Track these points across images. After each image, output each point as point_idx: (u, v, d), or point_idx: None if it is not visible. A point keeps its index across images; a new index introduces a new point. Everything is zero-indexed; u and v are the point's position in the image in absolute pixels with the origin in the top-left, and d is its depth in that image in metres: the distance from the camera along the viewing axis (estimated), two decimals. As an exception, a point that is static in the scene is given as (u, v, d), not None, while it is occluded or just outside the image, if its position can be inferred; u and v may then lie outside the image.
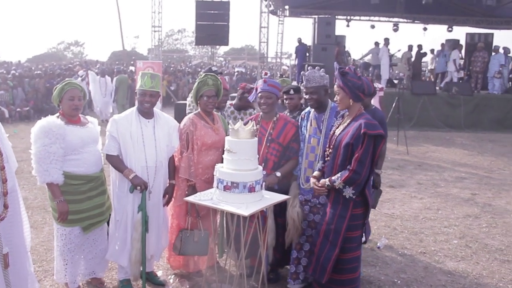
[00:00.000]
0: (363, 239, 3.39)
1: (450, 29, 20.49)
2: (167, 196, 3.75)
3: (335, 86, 3.26)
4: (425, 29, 21.29)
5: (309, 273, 3.58)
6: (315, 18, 15.05)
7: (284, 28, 21.16)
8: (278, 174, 3.67)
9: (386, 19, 20.83)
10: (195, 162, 3.74)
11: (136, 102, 3.68)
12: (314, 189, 3.35)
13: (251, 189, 3.23)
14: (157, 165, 3.62)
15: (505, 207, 6.42)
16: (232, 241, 3.46)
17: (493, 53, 15.03)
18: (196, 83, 3.86)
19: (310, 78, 3.63)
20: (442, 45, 16.35)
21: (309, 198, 3.64)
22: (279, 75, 18.50)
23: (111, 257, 3.69)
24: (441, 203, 6.54)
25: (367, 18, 21.06)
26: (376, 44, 16.08)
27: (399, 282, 4.11)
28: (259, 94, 3.83)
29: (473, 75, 15.21)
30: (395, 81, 15.01)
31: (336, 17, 17.36)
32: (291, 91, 4.05)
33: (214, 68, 5.47)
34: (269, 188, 3.58)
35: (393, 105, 11.15)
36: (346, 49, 17.00)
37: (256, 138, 3.42)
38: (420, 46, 16.43)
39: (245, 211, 3.07)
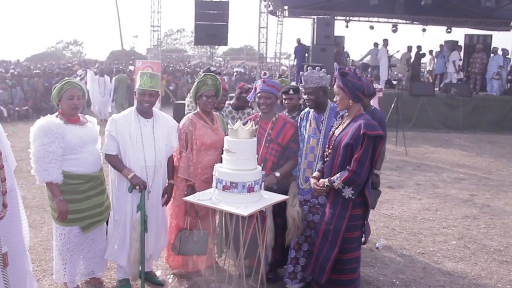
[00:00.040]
0: (363, 239, 3.39)
1: (449, 30, 20.53)
2: (166, 195, 3.75)
3: (334, 86, 3.26)
4: (424, 30, 21.33)
5: (307, 272, 3.59)
6: (314, 18, 15.08)
7: (283, 28, 21.18)
8: (277, 174, 3.67)
9: (385, 20, 20.86)
10: (194, 162, 3.74)
11: (135, 102, 3.68)
12: (314, 189, 3.35)
13: (250, 189, 3.23)
14: (156, 165, 3.61)
15: (503, 208, 6.43)
16: (231, 241, 3.45)
17: (491, 55, 15.08)
18: (195, 83, 3.85)
19: (308, 78, 3.64)
20: (441, 46, 16.39)
21: (308, 198, 3.65)
22: (278, 75, 18.50)
23: (110, 256, 3.69)
24: (440, 204, 6.55)
25: (366, 19, 21.09)
26: (375, 45, 16.10)
27: (397, 282, 4.11)
28: (258, 94, 3.83)
29: (472, 77, 15.24)
30: (394, 82, 15.05)
31: (335, 17, 17.43)
32: (290, 91, 4.06)
33: (213, 68, 5.47)
34: (268, 188, 3.58)
35: (392, 106, 11.17)
36: (345, 50, 17.01)
37: (255, 138, 3.42)
38: (419, 47, 16.47)
39: (244, 211, 3.07)
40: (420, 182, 7.76)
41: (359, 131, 3.06)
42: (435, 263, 4.53)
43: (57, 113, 3.43)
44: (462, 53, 16.01)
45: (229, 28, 15.84)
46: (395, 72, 20.64)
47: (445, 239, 5.17)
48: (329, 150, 3.29)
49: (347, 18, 20.70)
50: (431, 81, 16.69)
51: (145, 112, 3.62)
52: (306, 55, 15.90)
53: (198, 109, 3.88)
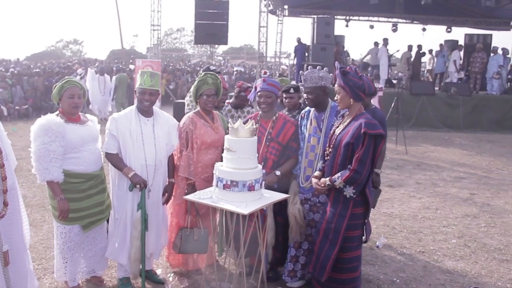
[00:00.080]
0: (364, 238, 3.39)
1: (449, 29, 20.53)
2: (166, 194, 3.75)
3: (335, 85, 3.26)
4: (424, 29, 21.34)
5: (307, 271, 3.60)
6: (314, 18, 15.09)
7: (283, 27, 21.18)
8: (278, 173, 3.67)
9: (385, 19, 20.84)
10: (194, 160, 3.74)
11: (135, 101, 3.68)
12: (315, 189, 3.36)
13: (251, 188, 3.23)
14: (156, 164, 3.62)
15: (503, 207, 6.43)
16: (231, 240, 3.46)
17: (491, 54, 15.08)
18: (195, 82, 3.86)
19: (307, 78, 3.64)
20: (441, 45, 16.39)
21: (309, 196, 3.65)
22: (278, 74, 18.51)
23: (111, 255, 3.69)
24: (440, 202, 6.55)
25: (366, 18, 21.07)
26: (376, 44, 16.10)
27: (398, 281, 4.11)
28: (259, 93, 3.83)
29: (472, 76, 15.24)
30: (394, 81, 15.05)
31: (335, 17, 17.43)
32: (291, 90, 4.06)
33: (212, 67, 5.48)
34: (269, 187, 3.58)
35: (392, 105, 11.17)
36: (345, 49, 17.02)
37: (256, 137, 3.42)
38: (419, 46, 16.47)
39: (245, 210, 3.07)
40: (420, 181, 7.76)
41: (360, 130, 3.06)
42: (435, 262, 4.54)
43: (57, 112, 3.43)
44: (462, 53, 16.01)
45: (229, 27, 15.83)
46: (395, 71, 20.63)
47: (445, 238, 5.17)
48: (330, 149, 3.29)
49: (347, 17, 20.69)
50: (430, 80, 16.68)
51: (146, 111, 3.62)
52: (306, 54, 15.91)
53: (199, 108, 3.88)
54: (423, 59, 17.39)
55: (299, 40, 16.39)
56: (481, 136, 12.77)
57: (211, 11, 15.61)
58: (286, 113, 4.10)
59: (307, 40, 16.12)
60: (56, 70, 17.66)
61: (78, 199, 3.41)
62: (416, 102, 13.68)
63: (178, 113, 6.54)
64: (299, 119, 3.86)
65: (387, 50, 15.59)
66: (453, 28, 20.40)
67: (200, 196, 3.38)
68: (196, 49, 49.39)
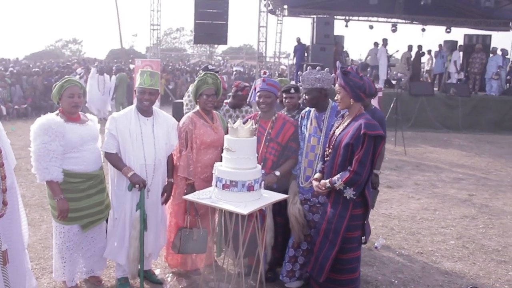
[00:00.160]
0: (363, 239, 3.40)
1: (448, 30, 20.53)
2: (165, 194, 3.75)
3: (336, 85, 3.26)
4: (423, 30, 21.34)
5: (306, 271, 3.60)
6: (313, 18, 15.08)
7: (282, 27, 21.15)
8: (277, 173, 3.67)
9: (385, 19, 20.85)
10: (194, 160, 3.74)
11: (135, 100, 3.68)
12: (316, 191, 3.36)
13: (250, 188, 3.24)
14: (155, 163, 3.61)
15: (502, 208, 6.44)
16: (230, 240, 3.46)
17: (491, 55, 15.10)
18: (195, 82, 3.86)
19: (304, 79, 3.65)
20: (440, 46, 16.40)
21: (308, 197, 3.65)
22: (277, 74, 18.50)
23: (109, 255, 3.69)
24: (439, 203, 6.56)
25: (366, 18, 21.07)
26: (375, 44, 16.10)
27: (396, 282, 4.12)
28: (258, 93, 3.83)
29: (471, 77, 15.25)
30: (393, 82, 15.06)
31: (335, 17, 17.41)
32: (292, 90, 4.07)
33: (210, 67, 5.48)
34: (268, 187, 3.58)
35: (391, 106, 11.18)
36: (344, 49, 17.02)
37: (255, 137, 3.42)
38: (420, 47, 16.49)
39: (244, 210, 3.08)
40: (419, 182, 7.77)
41: (360, 131, 3.06)
42: (433, 263, 4.54)
43: (57, 111, 3.43)
44: (461, 53, 16.03)
45: (229, 27, 15.79)
46: (394, 72, 20.64)
47: (443, 239, 5.18)
48: (330, 150, 3.29)
49: (347, 17, 20.68)
50: (429, 81, 16.70)
51: (145, 111, 3.62)
52: (306, 54, 15.90)
53: (198, 108, 3.89)
54: (422, 60, 17.42)
55: (298, 40, 16.39)
56: (480, 137, 12.78)
57: (211, 10, 15.58)
58: (285, 113, 4.10)
59: (306, 40, 16.12)
60: (56, 70, 17.64)
61: (78, 199, 3.40)
62: (415, 102, 13.69)
63: (177, 113, 6.53)
64: (300, 119, 3.86)
65: (387, 50, 15.60)
66: (452, 28, 20.40)
67: (199, 196, 3.38)
68: (195, 49, 49.35)
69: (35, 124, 3.28)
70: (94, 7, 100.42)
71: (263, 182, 3.44)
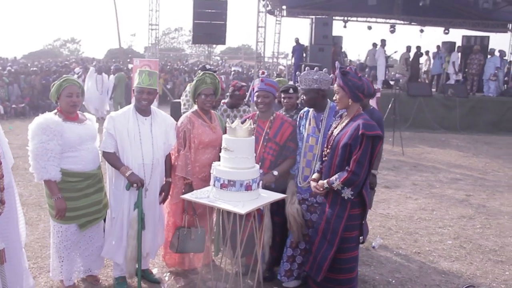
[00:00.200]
0: (361, 239, 3.40)
1: (446, 31, 20.58)
2: (163, 193, 3.75)
3: (335, 85, 3.27)
4: (421, 31, 21.38)
5: (304, 269, 3.60)
6: (312, 18, 15.08)
7: (281, 28, 21.22)
8: (275, 172, 3.68)
9: (383, 20, 20.89)
10: (192, 160, 3.74)
11: (133, 100, 3.67)
12: (314, 192, 3.37)
13: (248, 188, 3.24)
14: (153, 163, 3.61)
15: (499, 208, 6.46)
16: (228, 240, 3.46)
17: (488, 56, 15.13)
18: (194, 81, 3.86)
19: (302, 79, 3.66)
20: (438, 47, 16.44)
21: (306, 197, 3.66)
22: (275, 74, 18.50)
23: (107, 254, 3.69)
24: (436, 204, 6.57)
25: (364, 19, 21.11)
26: (374, 45, 16.13)
27: (393, 281, 4.13)
28: (256, 93, 3.84)
29: (469, 78, 15.30)
30: (391, 82, 15.09)
31: (333, 17, 17.41)
32: (290, 90, 4.08)
33: (208, 66, 5.49)
34: (266, 187, 3.59)
35: (389, 106, 11.19)
36: (342, 50, 17.03)
37: (254, 137, 3.42)
38: (418, 48, 16.52)
39: (242, 210, 3.08)
40: (417, 182, 7.78)
41: (358, 131, 3.06)
42: (430, 263, 4.55)
43: (55, 111, 3.42)
44: (459, 54, 16.07)
45: (227, 27, 15.81)
46: (393, 73, 20.67)
47: (441, 239, 5.19)
48: (328, 150, 3.30)
49: (345, 18, 20.71)
50: (427, 81, 16.73)
51: (143, 110, 3.62)
52: (304, 54, 15.91)
53: (196, 107, 3.89)
54: (420, 60, 17.45)
55: (297, 41, 16.40)
56: (478, 138, 12.81)
57: (210, 11, 15.58)
58: (284, 113, 4.11)
59: (305, 41, 16.13)
60: (54, 69, 17.63)
61: (75, 198, 3.40)
62: (413, 103, 13.71)
63: (175, 113, 6.53)
64: (298, 119, 3.87)
65: (385, 51, 15.63)
66: (450, 29, 20.46)
67: (197, 196, 3.38)
68: (194, 48, 49.33)
69: (33, 123, 3.28)
70: (93, 7, 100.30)
71: (261, 182, 3.45)
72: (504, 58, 15.63)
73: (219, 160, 3.43)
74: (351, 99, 3.18)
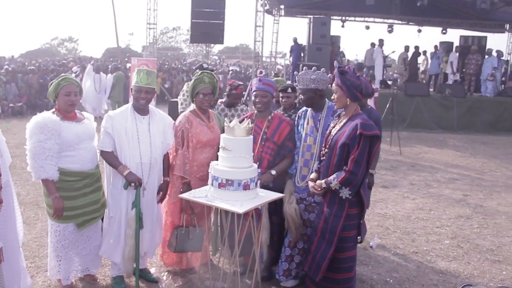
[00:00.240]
0: (359, 238, 3.41)
1: (444, 31, 20.60)
2: (161, 193, 3.75)
3: (333, 84, 3.27)
4: (419, 31, 21.39)
5: (302, 269, 3.61)
6: (310, 18, 15.10)
7: (279, 27, 21.16)
8: (273, 172, 3.68)
9: (381, 20, 20.88)
10: (190, 159, 3.74)
11: (131, 99, 3.67)
12: (312, 192, 3.37)
13: (246, 187, 3.24)
14: (151, 162, 3.61)
15: (496, 208, 6.48)
16: (226, 239, 3.46)
17: (486, 56, 15.17)
18: (192, 81, 3.86)
19: (300, 79, 3.66)
20: (435, 47, 16.46)
21: (304, 196, 3.66)
22: (273, 74, 18.50)
23: (105, 253, 3.68)
24: (434, 203, 6.59)
25: (362, 19, 21.09)
26: (372, 45, 16.14)
27: (391, 281, 4.13)
28: (254, 93, 3.84)
29: (467, 78, 15.33)
30: (389, 82, 15.11)
31: (331, 17, 17.40)
32: (289, 90, 4.08)
33: (205, 65, 5.49)
34: (264, 186, 3.59)
35: (387, 106, 11.21)
36: (340, 50, 17.04)
37: (251, 136, 3.43)
38: (417, 47, 16.54)
39: (240, 209, 3.08)
40: (414, 182, 7.80)
41: (356, 131, 3.07)
42: (428, 262, 4.56)
43: (53, 110, 3.41)
44: (457, 54, 16.09)
45: (225, 26, 15.79)
46: (390, 72, 20.70)
47: (438, 239, 5.20)
48: (326, 150, 3.30)
49: (343, 18, 20.70)
50: (424, 81, 16.77)
51: (141, 109, 3.61)
52: (302, 54, 15.92)
53: (194, 107, 3.88)
54: (418, 60, 17.48)
55: (295, 40, 16.40)
56: (475, 138, 12.85)
57: (207, 10, 15.57)
58: (282, 112, 4.11)
59: (303, 40, 16.14)
60: (51, 68, 17.58)
61: (73, 197, 3.39)
62: (411, 103, 13.74)
63: (173, 112, 6.55)
64: (296, 119, 3.87)
65: (382, 51, 15.65)
66: (448, 29, 20.48)
67: (195, 195, 3.38)
68: (191, 48, 49.29)
69: (31, 122, 3.27)
70: (90, 6, 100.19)
71: (259, 181, 3.45)
72: (502, 58, 15.67)
73: (217, 160, 3.43)
74: (349, 99, 3.18)
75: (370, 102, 8.33)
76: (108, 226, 3.65)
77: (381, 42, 15.62)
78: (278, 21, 21.13)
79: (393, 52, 17.43)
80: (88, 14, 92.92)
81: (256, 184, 3.35)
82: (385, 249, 4.86)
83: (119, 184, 3.54)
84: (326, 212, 3.24)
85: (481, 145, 11.80)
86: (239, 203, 3.16)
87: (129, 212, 3.53)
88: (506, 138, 12.92)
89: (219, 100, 4.73)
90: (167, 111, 7.54)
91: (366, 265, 4.43)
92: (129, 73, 14.72)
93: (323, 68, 3.74)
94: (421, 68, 18.27)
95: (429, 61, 16.93)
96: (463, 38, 16.99)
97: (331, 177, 3.16)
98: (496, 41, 18.57)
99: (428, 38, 21.32)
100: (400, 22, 20.82)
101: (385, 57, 15.83)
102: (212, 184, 3.34)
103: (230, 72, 25.17)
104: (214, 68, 20.50)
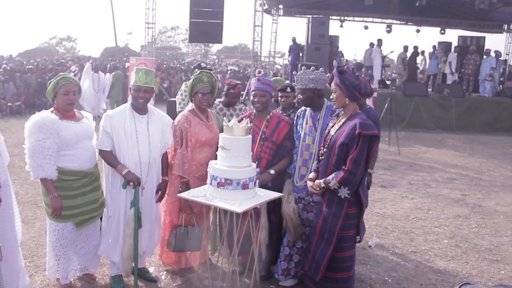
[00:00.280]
0: (358, 238, 3.41)
1: (442, 31, 20.63)
2: (160, 192, 3.75)
3: (332, 84, 3.27)
4: (418, 31, 21.41)
5: (301, 268, 3.61)
6: (309, 18, 15.10)
7: (278, 27, 21.16)
8: (272, 171, 3.68)
9: (380, 20, 20.89)
10: (188, 159, 3.74)
11: (129, 98, 3.67)
12: (311, 191, 3.37)
13: (245, 186, 3.24)
14: (150, 161, 3.61)
15: (494, 208, 6.49)
16: (224, 238, 3.46)
17: (484, 56, 15.21)
18: (191, 80, 3.85)
19: (298, 79, 3.67)
20: (434, 47, 16.48)
21: (303, 196, 3.66)
22: (272, 74, 18.50)
23: (103, 252, 3.68)
24: (432, 203, 6.60)
25: (361, 19, 21.10)
26: (371, 45, 16.16)
27: (390, 280, 4.14)
28: (253, 92, 3.84)
29: (465, 78, 15.36)
30: (388, 82, 15.13)
31: (330, 17, 17.42)
32: (288, 89, 4.08)
33: (203, 65, 5.48)
34: (263, 186, 3.59)
35: (386, 106, 11.23)
36: (339, 50, 17.05)
37: (250, 135, 3.43)
38: (416, 47, 16.56)
39: (239, 208, 3.08)
40: (413, 181, 7.81)
41: (355, 130, 3.07)
42: (426, 262, 4.57)
43: (52, 109, 3.41)
44: (456, 54, 16.12)
45: (224, 26, 15.79)
46: (389, 72, 20.72)
47: (437, 238, 5.21)
48: (324, 149, 3.30)
49: (342, 18, 20.71)
50: (423, 81, 16.79)
51: (140, 109, 3.61)
52: (301, 54, 15.93)
53: (193, 106, 3.88)
54: (417, 60, 17.50)
55: (294, 40, 16.40)
56: (473, 138, 12.87)
57: (206, 9, 15.57)
58: (281, 112, 4.11)
59: (301, 40, 16.14)
60: (49, 67, 17.56)
61: (72, 197, 3.39)
62: (410, 103, 13.76)
63: (172, 111, 6.53)
64: (295, 118, 3.87)
65: (381, 51, 15.66)
66: (446, 30, 20.51)
67: (194, 194, 3.38)
68: (190, 47, 49.26)
69: (29, 121, 3.26)
70: (89, 5, 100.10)
71: (257, 181, 3.45)
72: (500, 58, 15.71)
73: (216, 159, 3.43)
74: (348, 98, 3.18)
75: (369, 102, 8.34)
76: (106, 225, 3.65)
77: (379, 42, 15.63)
78: (276, 21, 21.15)
79: (391, 52, 17.50)
80: (86, 13, 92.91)
81: (255, 183, 3.35)
82: (383, 248, 4.87)
83: (117, 184, 3.54)
84: (325, 211, 3.24)
85: (479, 145, 11.82)
86: (238, 202, 3.16)
87: (128, 211, 3.52)
88: (504, 138, 12.95)
89: (217, 100, 4.73)
90: (166, 111, 7.53)
91: (365, 264, 4.44)
92: (127, 72, 14.71)
93: (321, 68, 3.75)
94: (420, 68, 18.30)
95: (428, 61, 16.96)
96: (462, 38, 17.02)
97: (330, 177, 3.16)
98: (494, 41, 18.72)
99: (427, 38, 21.40)
100: (398, 22, 20.84)
101: (383, 57, 15.84)
102: (211, 184, 3.34)
103: (229, 71, 25.18)
104: (213, 67, 20.50)
